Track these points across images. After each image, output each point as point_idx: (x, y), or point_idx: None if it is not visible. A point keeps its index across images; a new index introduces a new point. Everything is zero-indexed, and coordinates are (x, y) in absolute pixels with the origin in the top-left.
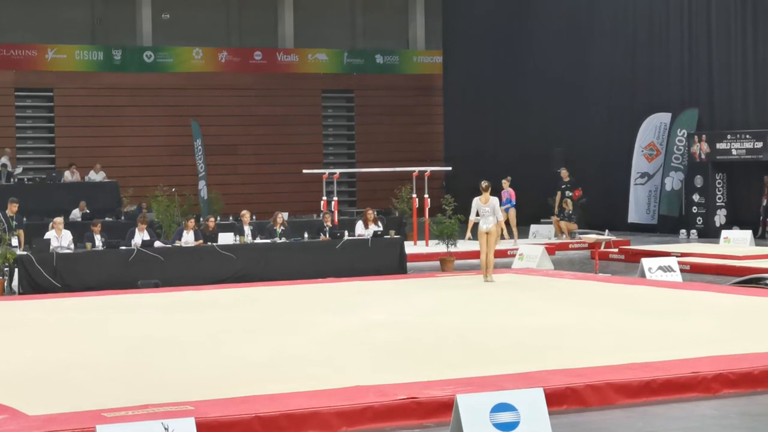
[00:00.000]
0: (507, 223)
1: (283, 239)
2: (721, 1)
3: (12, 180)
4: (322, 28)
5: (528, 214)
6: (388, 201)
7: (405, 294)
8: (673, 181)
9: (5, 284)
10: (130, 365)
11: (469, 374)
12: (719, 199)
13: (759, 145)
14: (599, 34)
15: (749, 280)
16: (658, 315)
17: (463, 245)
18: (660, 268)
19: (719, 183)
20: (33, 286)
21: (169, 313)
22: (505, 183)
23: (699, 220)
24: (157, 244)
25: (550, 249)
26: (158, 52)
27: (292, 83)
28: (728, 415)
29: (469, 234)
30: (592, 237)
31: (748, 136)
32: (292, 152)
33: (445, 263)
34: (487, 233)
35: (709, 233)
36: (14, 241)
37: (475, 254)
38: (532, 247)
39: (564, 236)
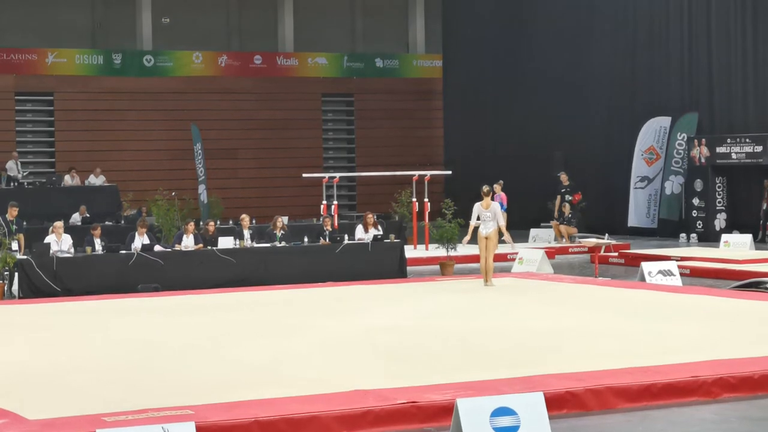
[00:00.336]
0: None
1: (283, 243)
2: (720, 5)
3: (12, 184)
4: (322, 31)
5: (528, 218)
6: (388, 205)
7: (405, 298)
8: (673, 185)
9: (5, 288)
10: (130, 369)
11: (469, 378)
12: (719, 203)
13: (759, 149)
14: (599, 38)
15: (749, 284)
16: (658, 319)
17: (463, 249)
18: (660, 272)
19: (719, 187)
20: (33, 290)
21: (168, 317)
22: (497, 187)
23: (699, 224)
24: (157, 248)
25: (550, 253)
26: (158, 56)
27: (292, 87)
28: (728, 419)
29: (468, 238)
30: (592, 241)
31: (747, 140)
32: (292, 156)
33: (445, 267)
34: (486, 238)
35: (709, 237)
36: (14, 245)
37: (476, 258)
38: (531, 251)
39: (564, 240)
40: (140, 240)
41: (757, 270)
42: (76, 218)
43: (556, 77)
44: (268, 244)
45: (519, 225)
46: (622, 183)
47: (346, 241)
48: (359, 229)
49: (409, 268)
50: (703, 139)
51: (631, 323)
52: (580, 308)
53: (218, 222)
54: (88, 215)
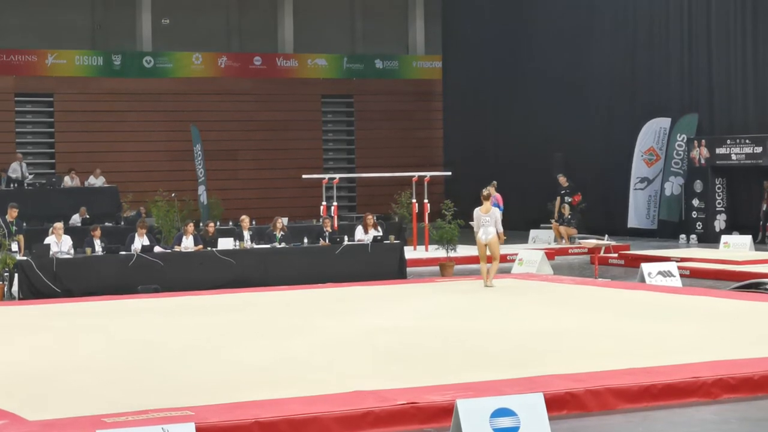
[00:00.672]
0: None
1: (283, 244)
2: (720, 6)
3: (12, 185)
4: (321, 33)
5: (527, 219)
6: (388, 206)
7: (405, 299)
8: (673, 186)
9: (5, 289)
10: (130, 370)
11: (469, 379)
12: (719, 204)
13: (759, 150)
14: (598, 39)
15: (749, 285)
16: (658, 320)
17: (463, 250)
18: (660, 273)
19: (719, 188)
20: (33, 292)
21: (168, 317)
22: (491, 189)
23: (699, 225)
24: (157, 249)
25: (550, 254)
26: (158, 58)
27: (291, 88)
28: (728, 420)
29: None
30: (592, 242)
31: (747, 141)
32: (292, 157)
33: (444, 268)
34: (486, 245)
35: (709, 238)
36: (14, 246)
37: (476, 259)
38: (531, 252)
39: (563, 241)
40: (140, 241)
41: (757, 271)
42: (75, 219)
43: (556, 78)
44: (267, 245)
45: (519, 226)
46: (622, 184)
47: (345, 242)
48: (359, 230)
49: (408, 269)
50: (703, 140)
51: (631, 324)
52: (580, 309)
53: (218, 223)
54: (88, 216)
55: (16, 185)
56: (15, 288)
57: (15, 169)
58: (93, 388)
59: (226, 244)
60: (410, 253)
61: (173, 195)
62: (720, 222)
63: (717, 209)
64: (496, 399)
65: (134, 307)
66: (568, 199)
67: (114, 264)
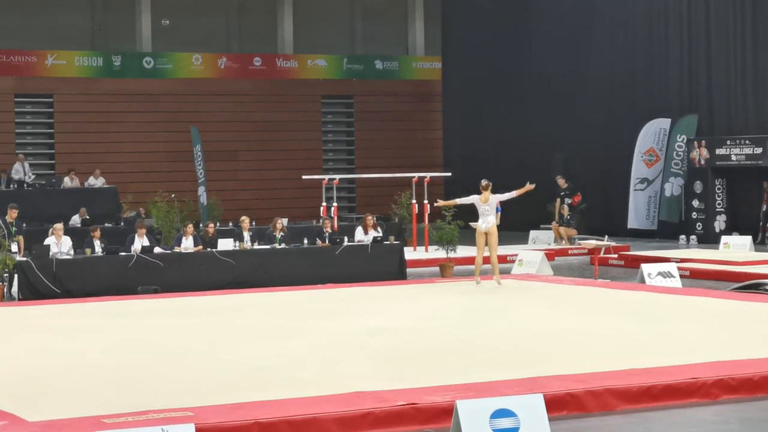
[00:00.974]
0: None
1: (283, 245)
2: (719, 7)
3: (12, 185)
4: (321, 34)
5: (527, 219)
6: (388, 207)
7: (404, 300)
8: (673, 187)
9: (5, 290)
10: (129, 371)
11: (469, 380)
12: (719, 204)
13: (758, 150)
14: (598, 40)
15: (749, 285)
16: (658, 320)
17: (463, 251)
18: (659, 273)
19: (719, 189)
20: (33, 292)
21: (168, 318)
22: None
23: (699, 226)
24: (157, 249)
25: (550, 255)
26: (158, 58)
27: (291, 89)
28: (728, 420)
29: (440, 203)
30: (592, 243)
31: (747, 142)
32: (292, 158)
33: (444, 269)
34: (486, 233)
35: (709, 239)
36: (14, 247)
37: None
38: (531, 253)
39: (563, 242)
40: (140, 242)
41: (757, 272)
42: (75, 220)
43: (556, 79)
44: (267, 246)
45: (519, 227)
46: (622, 185)
47: (345, 243)
48: (359, 230)
49: (408, 270)
50: (703, 141)
51: (631, 325)
52: (580, 310)
53: (218, 224)
54: (87, 217)
55: (15, 186)
56: (15, 289)
57: (18, 170)
58: (93, 388)
59: (225, 244)
60: (410, 253)
61: (173, 196)
62: (720, 223)
63: (717, 210)
64: (496, 400)
65: (134, 308)
66: (567, 200)
67: (114, 265)
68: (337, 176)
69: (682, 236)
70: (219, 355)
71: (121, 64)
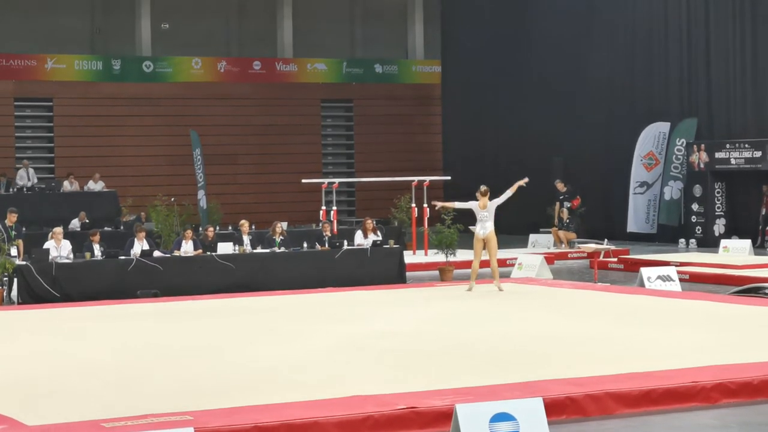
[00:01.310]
0: None
1: (282, 249)
2: (719, 11)
3: (11, 189)
4: (321, 37)
5: (527, 223)
6: (388, 210)
7: (404, 303)
8: (672, 191)
9: (4, 294)
10: (129, 375)
11: (469, 384)
12: (718, 208)
13: (758, 154)
14: (597, 43)
15: (748, 289)
16: (657, 324)
17: (463, 255)
18: (659, 277)
19: (718, 192)
20: (32, 296)
21: (168, 322)
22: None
23: (698, 230)
24: (156, 253)
25: (549, 258)
26: (157, 62)
27: (291, 93)
28: (728, 424)
29: (438, 204)
30: (591, 246)
31: (746, 146)
32: (291, 162)
33: (444, 273)
34: (484, 239)
35: (708, 242)
36: (13, 251)
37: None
38: (531, 257)
39: (563, 245)
40: (139, 245)
41: (757, 275)
42: (75, 224)
43: (555, 82)
44: (267, 250)
45: (518, 230)
46: (621, 188)
47: (345, 247)
48: (358, 234)
49: (408, 274)
50: (702, 145)
51: (631, 328)
52: (580, 314)
53: (217, 227)
54: (87, 221)
55: (15, 189)
56: (14, 293)
57: (22, 176)
58: (92, 392)
59: (225, 248)
60: (410, 257)
61: (173, 199)
62: (719, 226)
63: (716, 213)
64: (495, 404)
65: (133, 312)
66: (567, 204)
67: (113, 268)
68: (337, 180)
69: (682, 240)
70: (219, 359)
71: (121, 67)
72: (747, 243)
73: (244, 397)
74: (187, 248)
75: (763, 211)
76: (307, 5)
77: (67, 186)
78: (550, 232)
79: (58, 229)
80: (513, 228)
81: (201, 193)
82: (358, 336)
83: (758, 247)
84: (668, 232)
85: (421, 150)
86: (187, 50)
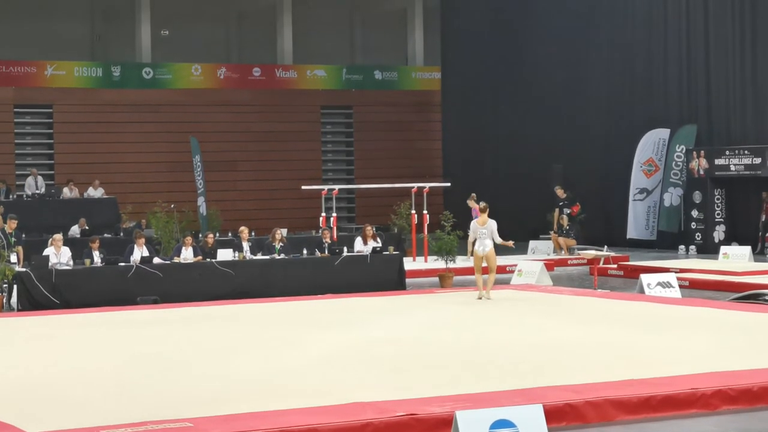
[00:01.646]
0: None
1: (282, 255)
2: (718, 17)
3: (11, 196)
4: (320, 44)
5: (527, 230)
6: (387, 217)
7: (404, 310)
8: (672, 197)
9: (4, 301)
10: (128, 381)
11: (468, 390)
12: (718, 214)
13: (757, 161)
14: (597, 50)
15: (748, 296)
16: (657, 331)
17: (462, 261)
18: (659, 284)
19: (718, 199)
20: (32, 303)
21: (167, 329)
22: (471, 202)
23: (698, 236)
24: (156, 260)
25: (549, 265)
26: (157, 69)
27: (290, 99)
28: (728, 431)
29: (470, 254)
30: (591, 253)
31: (746, 152)
32: (291, 168)
33: (444, 279)
34: (484, 257)
35: (708, 249)
36: (13, 258)
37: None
38: (530, 263)
39: (563, 252)
40: (139, 252)
41: (756, 282)
42: (75, 231)
43: (555, 89)
44: (267, 257)
45: (518, 237)
46: (621, 195)
47: (345, 254)
48: (358, 241)
49: (408, 280)
50: (702, 151)
51: (630, 335)
52: (579, 320)
53: (217, 234)
54: (87, 228)
55: (14, 197)
56: (14, 299)
57: (30, 184)
58: (92, 399)
59: (225, 255)
60: (409, 264)
61: (172, 206)
62: (719, 233)
63: (716, 220)
64: (495, 410)
65: (133, 319)
66: (566, 210)
67: (113, 275)
68: (337, 186)
69: (682, 246)
70: (218, 366)
71: (121, 74)
72: (747, 249)
73: (244, 403)
74: (187, 255)
75: (763, 218)
76: (307, 12)
77: (67, 193)
78: (549, 239)
79: (58, 236)
80: (513, 235)
81: (201, 200)
82: (358, 343)
83: (758, 254)
84: (668, 239)
85: (421, 156)
86: (187, 57)
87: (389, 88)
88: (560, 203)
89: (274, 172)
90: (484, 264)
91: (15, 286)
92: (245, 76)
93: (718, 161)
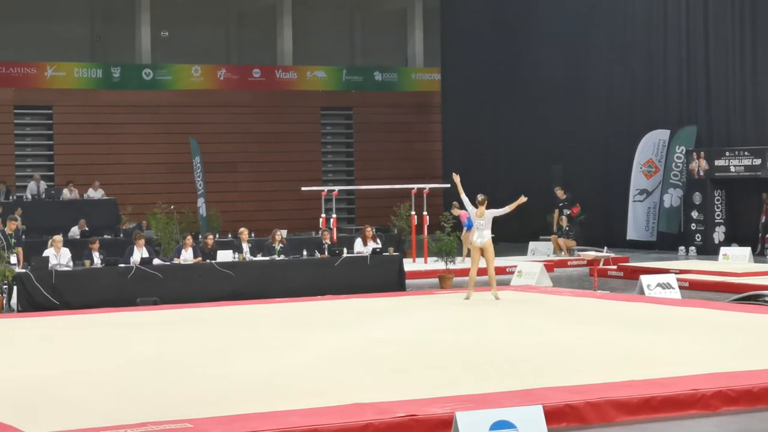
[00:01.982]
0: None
1: (282, 257)
2: (719, 19)
3: (11, 197)
4: (320, 45)
5: (526, 231)
6: (387, 218)
7: (404, 311)
8: (672, 198)
9: (4, 302)
10: (128, 383)
11: (468, 391)
12: (718, 215)
13: (757, 162)
14: (597, 51)
15: (748, 297)
16: (657, 332)
17: (462, 263)
18: (659, 285)
19: (718, 200)
20: (32, 304)
21: (167, 330)
22: (455, 210)
23: (698, 237)
24: (156, 261)
25: (549, 266)
26: (157, 70)
27: (290, 100)
28: None
29: (456, 177)
30: (591, 254)
31: (746, 153)
32: (291, 169)
33: (443, 280)
34: (482, 248)
35: (708, 250)
36: (13, 259)
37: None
38: (530, 264)
39: (563, 253)
40: (139, 253)
41: (756, 283)
42: (75, 232)
43: (555, 90)
44: (266, 258)
45: (518, 238)
46: (621, 196)
47: (344, 255)
48: (358, 242)
49: (408, 281)
50: (702, 152)
51: (630, 336)
52: (579, 321)
53: (217, 235)
54: (87, 229)
55: (14, 198)
56: (14, 300)
57: (32, 189)
58: (92, 400)
59: (225, 256)
60: (409, 265)
61: (172, 207)
62: (719, 234)
63: (716, 221)
64: (495, 411)
65: (133, 320)
66: (566, 211)
67: (113, 276)
68: (337, 188)
69: (681, 247)
70: (218, 367)
71: (121, 75)
72: (747, 250)
73: (244, 404)
74: (187, 256)
75: (763, 219)
76: (307, 13)
77: (67, 194)
78: (549, 240)
79: (58, 237)
80: (512, 236)
81: (200, 201)
82: (358, 343)
83: (758, 255)
84: (668, 240)
85: (421, 158)
86: (186, 58)
87: (389, 89)
88: (560, 204)
89: (274, 173)
90: (483, 265)
91: (15, 287)
92: (245, 78)
93: (718, 162)
